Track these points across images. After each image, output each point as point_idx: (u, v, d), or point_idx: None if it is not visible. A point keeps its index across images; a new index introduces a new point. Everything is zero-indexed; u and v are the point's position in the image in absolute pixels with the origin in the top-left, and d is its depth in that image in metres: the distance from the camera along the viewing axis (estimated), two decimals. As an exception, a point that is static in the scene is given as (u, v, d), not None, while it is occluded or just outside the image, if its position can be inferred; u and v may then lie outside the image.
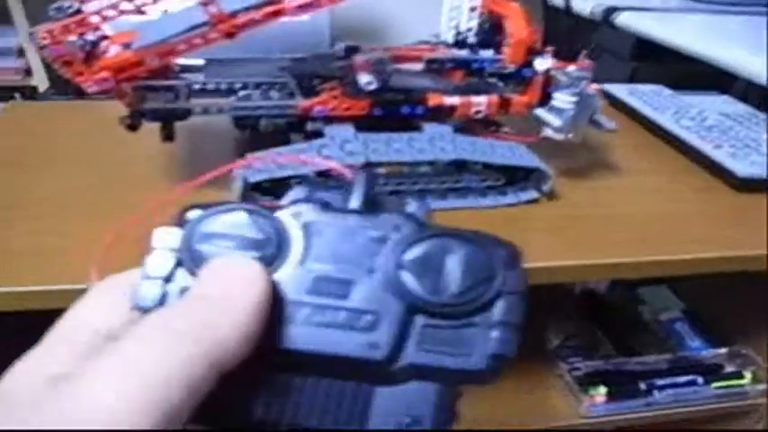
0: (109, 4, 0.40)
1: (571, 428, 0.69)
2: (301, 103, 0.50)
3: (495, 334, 0.18)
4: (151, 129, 0.51)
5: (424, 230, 0.19)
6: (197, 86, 0.52)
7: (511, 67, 0.52)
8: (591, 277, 0.69)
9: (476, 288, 0.18)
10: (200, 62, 0.53)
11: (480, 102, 0.52)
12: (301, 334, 0.18)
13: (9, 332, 0.59)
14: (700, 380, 0.72)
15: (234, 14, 0.43)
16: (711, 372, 0.74)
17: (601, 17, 0.97)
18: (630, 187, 0.59)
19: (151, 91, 0.48)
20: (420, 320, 0.18)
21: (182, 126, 0.52)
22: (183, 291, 0.18)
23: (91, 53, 0.44)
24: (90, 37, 0.44)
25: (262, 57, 0.55)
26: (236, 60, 0.54)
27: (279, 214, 0.19)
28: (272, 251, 0.18)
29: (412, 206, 0.20)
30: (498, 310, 0.18)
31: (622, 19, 0.94)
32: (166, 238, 0.19)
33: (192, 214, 0.19)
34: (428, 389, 0.18)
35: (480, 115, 0.53)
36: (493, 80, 0.55)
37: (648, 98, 0.73)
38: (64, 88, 1.28)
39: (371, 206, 0.20)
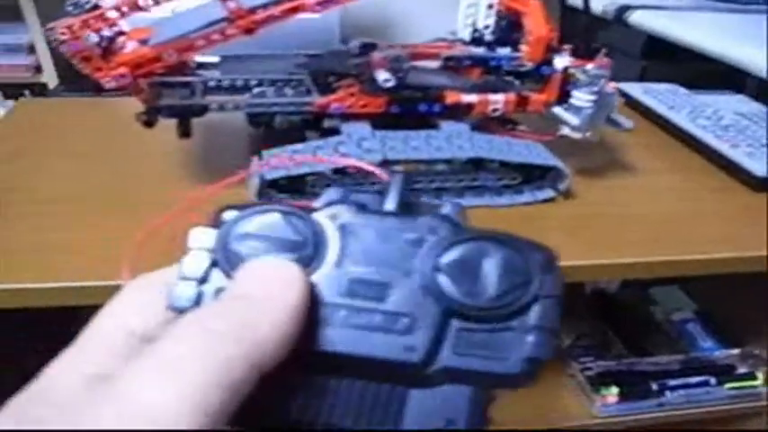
0: (127, 0, 0.40)
1: (583, 428, 0.69)
2: (318, 100, 0.50)
3: (530, 338, 0.18)
4: (163, 125, 0.51)
5: (460, 233, 0.19)
6: (212, 83, 0.52)
7: (529, 65, 0.52)
8: (606, 277, 0.69)
9: (512, 292, 0.18)
10: (216, 59, 0.53)
11: (498, 100, 0.52)
12: (338, 336, 0.18)
13: (12, 329, 0.59)
14: (712, 380, 0.72)
15: (253, 10, 0.42)
16: (724, 372, 0.73)
17: (613, 16, 0.97)
18: (646, 186, 0.58)
19: (167, 87, 0.48)
20: (456, 324, 0.18)
21: (196, 123, 0.52)
22: (219, 291, 0.18)
23: (108, 49, 0.44)
24: (106, 33, 0.44)
25: (277, 53, 0.54)
26: (251, 57, 0.54)
27: (315, 216, 0.19)
28: (308, 253, 0.18)
29: (447, 207, 0.20)
30: (534, 314, 0.18)
31: (635, 17, 0.94)
32: (202, 239, 0.19)
33: (228, 215, 0.19)
34: (463, 392, 0.18)
35: (498, 113, 0.53)
36: (509, 78, 0.55)
37: (664, 97, 0.72)
38: (73, 85, 1.28)
39: (406, 208, 0.20)
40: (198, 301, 0.18)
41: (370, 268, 0.18)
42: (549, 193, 0.53)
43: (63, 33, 0.37)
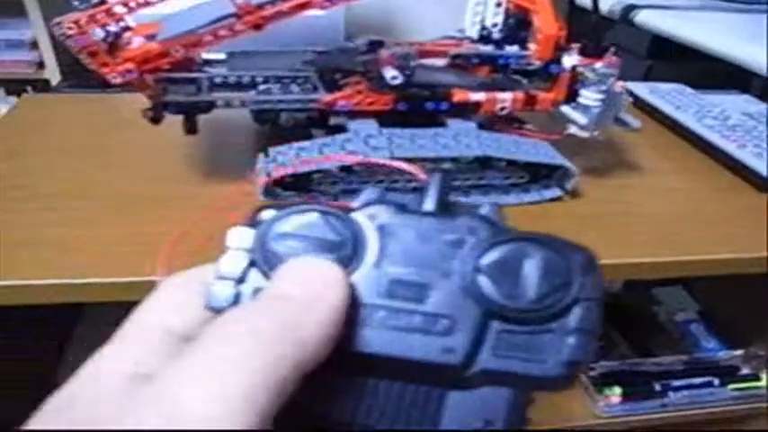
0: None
1: (586, 429, 0.69)
2: (324, 97, 0.50)
3: (570, 341, 0.17)
4: (168, 122, 0.50)
5: (500, 234, 0.18)
6: (219, 80, 0.51)
7: (537, 64, 0.52)
8: (612, 276, 0.69)
9: (553, 294, 0.18)
10: (222, 56, 0.53)
11: (506, 98, 0.52)
12: (377, 337, 0.17)
13: (12, 325, 0.59)
14: (716, 381, 0.72)
15: (261, 6, 0.42)
16: (727, 373, 0.73)
17: (619, 15, 0.96)
18: (653, 186, 0.58)
19: (173, 83, 0.48)
20: (496, 326, 0.18)
21: (201, 119, 0.51)
22: (257, 291, 0.18)
23: (114, 45, 0.44)
24: (113, 28, 0.44)
25: (284, 50, 0.54)
26: (257, 53, 0.54)
27: (354, 215, 0.19)
28: (347, 253, 0.18)
29: (485, 208, 0.19)
30: (575, 316, 0.18)
31: (641, 17, 0.94)
32: (240, 238, 0.18)
33: (266, 214, 0.19)
34: (501, 394, 0.18)
35: (505, 112, 0.52)
36: (517, 76, 0.55)
37: (670, 97, 0.72)
38: (76, 81, 1.28)
39: (445, 208, 0.19)
40: (236, 301, 0.18)
41: (410, 269, 0.18)
42: (555, 192, 0.53)
43: (70, 28, 0.37)
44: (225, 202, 0.25)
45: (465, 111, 0.52)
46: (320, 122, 0.53)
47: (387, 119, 0.51)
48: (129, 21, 0.45)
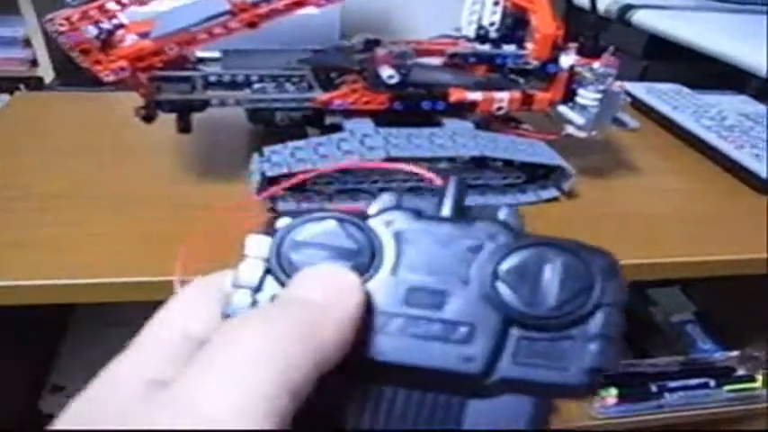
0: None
1: (582, 430, 0.68)
2: (320, 96, 0.49)
3: (592, 347, 0.17)
4: (162, 121, 0.50)
5: (519, 239, 0.18)
6: (213, 78, 0.51)
7: (534, 63, 0.51)
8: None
9: (574, 300, 0.17)
10: (216, 54, 0.52)
11: (503, 98, 0.51)
12: (395, 345, 0.17)
13: (4, 326, 0.58)
14: (711, 382, 0.72)
15: (256, 4, 0.42)
16: (723, 374, 0.73)
17: (616, 15, 0.96)
18: (650, 187, 0.58)
19: (167, 82, 0.47)
20: (516, 332, 0.17)
21: (195, 118, 0.51)
22: (273, 299, 0.18)
23: (107, 42, 0.43)
24: (106, 25, 0.43)
25: (279, 48, 0.54)
26: (252, 52, 0.53)
27: (370, 222, 0.18)
28: (364, 260, 0.18)
29: (503, 213, 0.19)
30: (596, 322, 0.17)
31: (638, 17, 0.94)
32: (257, 247, 0.18)
33: (282, 223, 0.18)
34: (523, 401, 0.17)
35: (502, 111, 0.52)
36: (514, 76, 0.55)
37: (667, 97, 0.72)
38: (70, 79, 1.27)
39: (462, 213, 0.19)
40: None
41: (427, 276, 0.18)
42: (552, 192, 0.53)
43: (62, 25, 0.36)
44: (237, 207, 0.24)
45: (462, 110, 0.52)
46: (316, 121, 0.52)
47: (383, 118, 0.50)
48: (123, 18, 0.44)
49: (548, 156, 0.51)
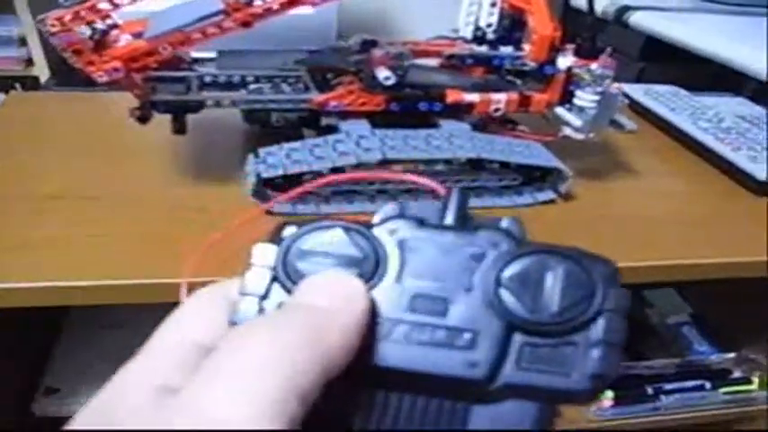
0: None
1: (578, 432, 0.68)
2: (316, 97, 0.49)
3: (594, 353, 0.17)
4: (157, 121, 0.50)
5: (522, 247, 0.18)
6: (208, 78, 0.51)
7: (531, 65, 0.51)
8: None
9: (575, 306, 0.17)
10: (212, 54, 0.52)
11: (500, 99, 0.51)
12: (400, 352, 0.17)
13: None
14: (707, 385, 0.72)
15: (250, 3, 0.41)
16: (719, 377, 0.73)
17: (613, 16, 0.96)
18: (647, 189, 0.58)
19: (162, 82, 0.47)
20: (519, 339, 0.17)
21: (190, 118, 0.50)
22: (280, 307, 0.18)
23: (100, 42, 0.43)
24: (99, 25, 0.43)
25: (275, 49, 0.53)
26: (248, 52, 0.53)
27: (374, 231, 0.19)
28: (369, 268, 0.18)
29: (506, 221, 0.19)
30: (598, 328, 0.17)
31: (635, 18, 0.94)
32: (263, 255, 0.18)
33: (288, 231, 0.19)
34: (527, 407, 0.17)
35: (499, 113, 0.52)
36: (511, 77, 0.54)
37: (665, 99, 0.72)
38: (66, 79, 1.26)
39: (465, 222, 0.19)
40: None
41: (431, 283, 0.18)
42: (549, 194, 0.52)
43: (53, 25, 0.36)
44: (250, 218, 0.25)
45: (458, 112, 0.52)
46: (312, 122, 0.52)
47: (379, 119, 0.50)
48: (117, 18, 0.44)
49: (544, 158, 0.51)
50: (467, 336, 0.17)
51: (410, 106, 0.51)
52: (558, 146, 0.53)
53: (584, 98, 0.50)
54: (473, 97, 0.51)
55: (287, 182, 0.47)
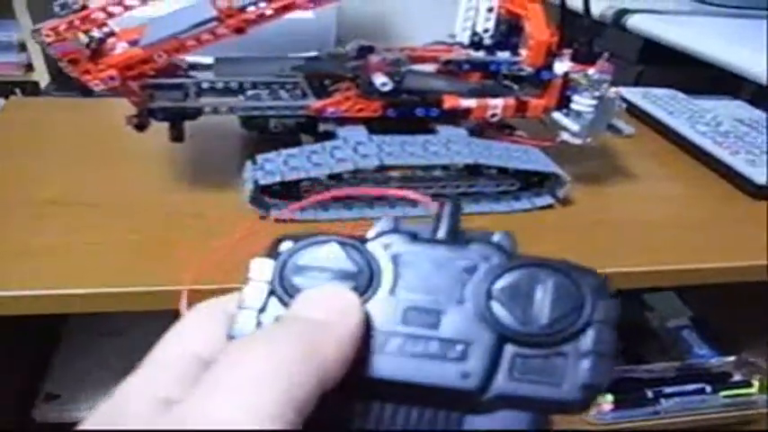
0: (114, 0, 0.39)
1: (578, 436, 0.68)
2: (314, 103, 0.49)
3: (585, 364, 0.17)
4: (157, 127, 0.50)
5: (512, 260, 0.19)
6: (206, 85, 0.51)
7: (528, 70, 0.51)
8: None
9: (565, 318, 0.18)
10: (209, 60, 0.52)
11: (497, 104, 0.51)
12: (394, 363, 0.18)
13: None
14: (708, 388, 0.71)
15: (243, 9, 0.41)
16: (719, 380, 0.73)
17: (611, 19, 0.96)
18: (646, 194, 0.58)
19: (159, 89, 0.47)
20: (510, 350, 0.18)
21: (189, 123, 0.50)
22: (277, 320, 0.18)
23: (98, 50, 0.43)
24: (97, 34, 0.43)
25: (272, 56, 0.53)
26: (245, 59, 0.53)
27: (369, 245, 0.19)
28: (363, 282, 0.19)
29: (498, 236, 0.20)
30: (588, 339, 0.18)
31: (633, 21, 0.93)
32: (261, 270, 0.19)
33: (285, 246, 0.19)
34: (519, 417, 0.18)
35: (496, 118, 0.52)
36: (508, 83, 0.54)
37: (663, 102, 0.72)
38: (65, 84, 1.26)
39: (457, 236, 0.20)
40: None
41: (424, 296, 0.19)
42: (547, 199, 0.52)
43: (48, 35, 0.36)
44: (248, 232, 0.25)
45: (455, 117, 0.52)
46: (309, 128, 0.52)
47: (376, 125, 0.50)
48: (114, 26, 0.44)
49: (542, 163, 0.51)
50: (459, 347, 0.18)
51: (407, 112, 0.51)
52: (556, 151, 0.53)
53: (582, 103, 0.50)
54: (470, 103, 0.51)
55: (284, 188, 0.47)
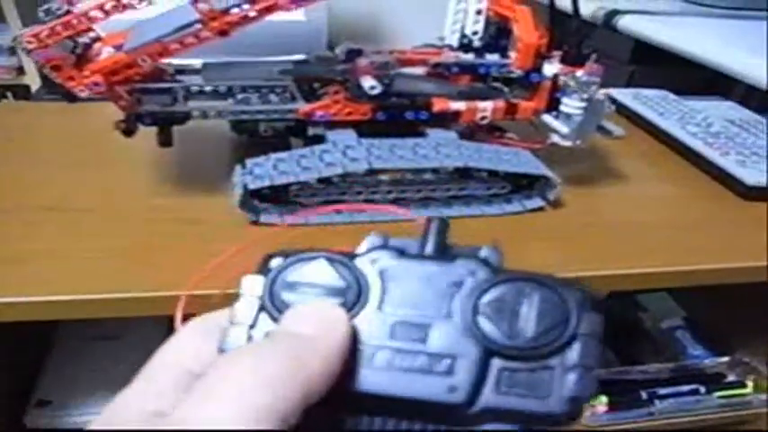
0: (95, 5, 0.38)
1: (573, 439, 0.68)
2: (303, 107, 0.49)
3: (571, 377, 0.18)
4: (146, 132, 0.49)
5: (498, 275, 0.19)
6: (195, 89, 0.50)
7: (518, 72, 0.51)
8: (600, 288, 0.69)
9: (551, 331, 0.18)
10: (198, 65, 0.52)
11: (486, 107, 0.51)
12: (382, 377, 0.18)
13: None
14: (702, 389, 0.71)
15: (226, 11, 0.41)
16: (713, 381, 0.73)
17: (602, 20, 0.96)
18: (636, 195, 0.58)
19: (146, 94, 0.47)
20: (497, 363, 0.18)
21: (176, 129, 0.50)
22: (266, 336, 0.19)
23: (83, 56, 0.42)
24: (83, 39, 0.42)
25: (261, 60, 0.53)
26: (234, 63, 0.53)
27: (357, 261, 0.20)
28: (352, 297, 0.19)
29: (484, 251, 0.20)
30: (574, 352, 0.18)
31: (624, 22, 0.94)
32: (252, 286, 0.20)
33: (275, 263, 0.20)
34: (506, 430, 0.18)
35: (486, 121, 0.52)
36: (498, 85, 0.54)
37: (653, 103, 0.72)
38: (57, 88, 1.26)
39: (444, 252, 0.20)
40: None
41: (412, 311, 0.19)
42: (538, 202, 0.52)
43: (30, 42, 0.36)
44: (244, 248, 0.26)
45: (445, 120, 0.51)
46: (299, 132, 0.52)
47: (366, 129, 0.50)
48: (100, 31, 0.43)
49: (533, 165, 0.51)
50: (446, 361, 0.18)
51: (396, 115, 0.50)
52: (547, 153, 0.53)
53: (570, 105, 0.50)
54: (459, 105, 0.51)
55: (274, 192, 0.47)
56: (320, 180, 0.47)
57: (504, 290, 0.19)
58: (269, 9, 0.41)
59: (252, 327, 0.19)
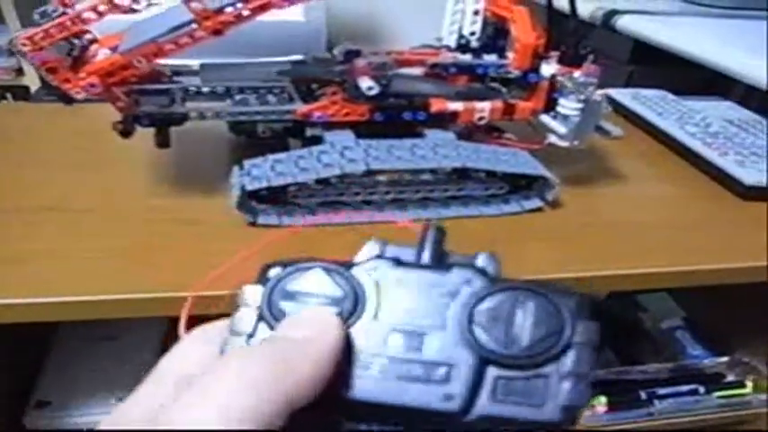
0: (89, 7, 0.38)
1: (572, 439, 0.68)
2: (300, 108, 0.49)
3: (566, 385, 0.18)
4: (144, 133, 0.49)
5: (494, 284, 0.20)
6: (192, 90, 0.50)
7: (515, 73, 0.51)
8: (599, 288, 0.68)
9: (546, 340, 0.18)
10: (195, 66, 0.52)
11: (484, 107, 0.51)
12: (378, 386, 0.18)
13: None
14: (701, 389, 0.71)
15: (220, 11, 0.41)
16: (713, 381, 0.73)
17: (601, 20, 0.96)
18: (635, 195, 0.58)
19: (144, 95, 0.47)
20: (492, 371, 0.18)
21: (174, 129, 0.50)
22: None
23: (79, 58, 0.42)
24: (79, 41, 0.42)
25: (259, 60, 0.53)
26: (232, 64, 0.53)
27: (354, 270, 0.20)
28: (349, 306, 0.19)
29: (481, 259, 0.20)
30: (569, 360, 0.18)
31: (623, 22, 0.94)
32: (251, 296, 0.20)
33: (273, 272, 0.20)
34: None
35: (484, 121, 0.52)
36: (496, 85, 0.54)
37: (652, 103, 0.71)
38: (55, 89, 1.26)
39: (441, 261, 0.21)
40: None
41: (407, 319, 0.19)
42: (536, 202, 0.52)
43: (24, 44, 0.36)
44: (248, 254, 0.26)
45: (443, 121, 0.51)
46: (297, 133, 0.52)
47: (364, 129, 0.50)
48: (96, 32, 0.43)
49: (531, 166, 0.51)
50: (442, 370, 0.18)
51: (394, 116, 0.50)
52: (545, 153, 0.53)
53: (568, 106, 0.50)
54: (457, 106, 0.51)
55: (272, 193, 0.47)
56: (318, 181, 0.47)
57: (500, 299, 0.19)
58: (262, 7, 0.40)
59: (251, 336, 0.19)
